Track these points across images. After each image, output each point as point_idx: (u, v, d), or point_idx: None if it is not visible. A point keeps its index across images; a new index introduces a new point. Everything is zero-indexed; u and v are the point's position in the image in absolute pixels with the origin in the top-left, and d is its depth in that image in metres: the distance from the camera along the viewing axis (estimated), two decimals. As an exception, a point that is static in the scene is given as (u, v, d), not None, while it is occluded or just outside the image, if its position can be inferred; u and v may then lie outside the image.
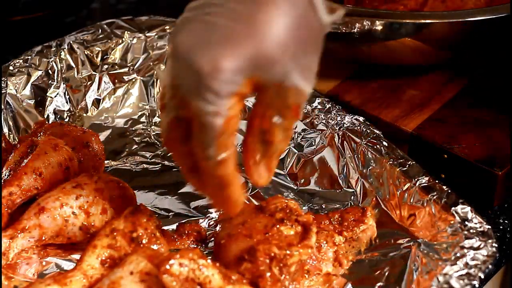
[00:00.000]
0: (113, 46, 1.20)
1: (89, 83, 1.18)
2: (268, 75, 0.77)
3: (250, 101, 1.03)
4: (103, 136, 1.15)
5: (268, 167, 0.85)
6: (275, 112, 0.80)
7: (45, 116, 1.14)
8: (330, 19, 0.80)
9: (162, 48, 1.21)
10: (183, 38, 0.77)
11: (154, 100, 1.19)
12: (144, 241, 0.91)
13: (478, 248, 0.88)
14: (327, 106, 1.09)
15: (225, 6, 0.77)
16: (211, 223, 1.02)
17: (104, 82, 1.19)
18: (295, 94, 0.79)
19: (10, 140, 1.09)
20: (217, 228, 0.97)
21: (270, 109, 0.80)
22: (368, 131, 1.05)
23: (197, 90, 0.76)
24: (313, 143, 1.07)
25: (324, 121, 1.07)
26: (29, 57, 1.15)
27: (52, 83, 1.16)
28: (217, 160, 0.80)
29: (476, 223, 0.91)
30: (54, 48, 1.17)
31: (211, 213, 1.03)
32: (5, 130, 1.09)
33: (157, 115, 1.17)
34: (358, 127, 1.05)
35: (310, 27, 0.78)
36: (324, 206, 1.03)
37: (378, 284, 0.92)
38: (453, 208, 0.93)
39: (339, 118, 1.07)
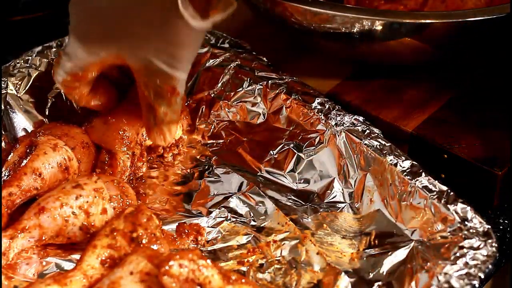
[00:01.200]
0: (113, 46, 1.20)
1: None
2: (129, 58, 0.95)
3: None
4: (103, 136, 1.15)
5: (158, 133, 1.01)
6: (151, 90, 0.97)
7: (45, 117, 1.14)
8: (198, 23, 0.92)
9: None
10: None
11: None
12: (144, 241, 0.91)
13: (478, 248, 0.88)
14: (327, 106, 1.09)
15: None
16: (211, 223, 1.02)
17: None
18: (162, 76, 0.95)
19: (9, 141, 1.09)
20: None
21: (146, 88, 0.97)
22: (368, 131, 1.04)
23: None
24: (313, 143, 1.07)
25: (323, 121, 1.07)
26: (30, 57, 1.15)
27: (52, 83, 1.15)
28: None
29: (476, 223, 0.91)
30: (55, 49, 1.17)
31: (211, 213, 1.03)
32: (5, 130, 1.09)
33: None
34: (358, 127, 1.05)
35: (171, 23, 0.91)
36: (323, 206, 1.04)
37: (378, 283, 0.92)
38: (453, 208, 0.93)
39: (339, 118, 1.07)
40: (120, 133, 1.05)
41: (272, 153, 1.09)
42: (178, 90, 0.98)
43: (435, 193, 0.95)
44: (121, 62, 0.99)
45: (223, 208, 1.04)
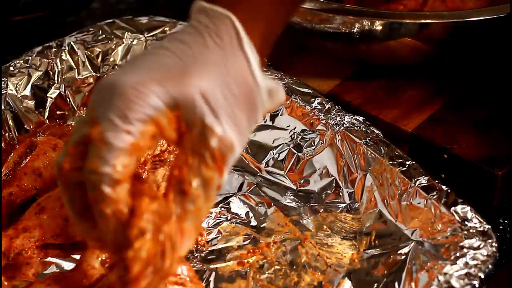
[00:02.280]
0: (113, 47, 1.20)
1: (89, 84, 1.18)
2: (190, 114, 0.74)
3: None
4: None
5: (180, 230, 0.75)
6: (197, 159, 0.74)
7: (45, 117, 1.14)
8: (269, 103, 0.80)
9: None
10: (116, 72, 0.76)
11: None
12: (143, 241, 0.91)
13: (478, 248, 0.88)
14: (327, 106, 1.09)
15: (170, 47, 0.76)
16: (211, 224, 1.02)
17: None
18: (220, 141, 0.74)
19: (9, 141, 1.09)
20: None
21: (192, 155, 0.74)
22: (368, 131, 1.04)
23: (113, 105, 0.72)
24: (313, 143, 1.07)
25: (323, 121, 1.07)
26: (30, 57, 1.15)
27: (52, 83, 1.16)
28: (112, 178, 0.72)
29: (476, 223, 0.91)
30: (55, 49, 1.17)
31: (211, 213, 1.03)
32: (5, 130, 1.09)
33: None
34: (358, 127, 1.05)
35: (245, 87, 0.77)
36: (323, 207, 1.04)
37: (378, 283, 0.92)
38: (453, 208, 0.93)
39: (338, 118, 1.07)
40: None
41: (272, 153, 1.09)
42: (224, 166, 0.76)
43: (435, 193, 0.95)
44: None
45: (223, 209, 1.04)
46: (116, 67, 1.20)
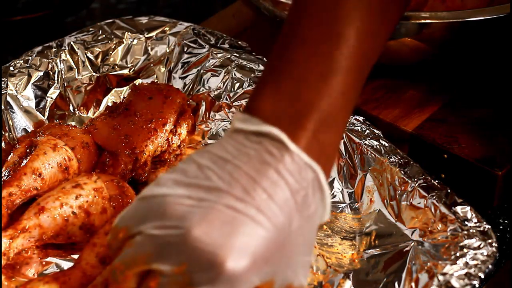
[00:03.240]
0: (113, 47, 1.21)
1: (89, 84, 1.18)
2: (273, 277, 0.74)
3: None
4: (103, 136, 1.15)
5: None
6: None
7: (45, 117, 1.14)
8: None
9: (163, 50, 1.21)
10: (203, 227, 0.71)
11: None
12: (143, 241, 0.91)
13: (478, 248, 0.88)
14: (327, 106, 1.08)
15: (246, 201, 0.72)
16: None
17: (105, 83, 1.20)
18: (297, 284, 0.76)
19: (9, 141, 1.09)
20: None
21: None
22: (368, 131, 1.04)
23: (211, 280, 0.71)
24: (313, 143, 1.07)
25: (324, 121, 1.07)
26: (30, 57, 1.15)
27: (52, 83, 1.16)
28: None
29: (476, 223, 0.91)
30: (55, 49, 1.17)
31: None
32: (5, 130, 1.09)
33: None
34: (358, 127, 1.05)
35: (315, 215, 0.76)
36: (324, 206, 1.04)
37: (378, 283, 0.92)
38: (453, 208, 0.93)
39: (339, 118, 1.06)
40: (125, 138, 1.05)
41: (272, 153, 1.09)
42: None
43: (435, 193, 0.95)
44: None
45: (223, 208, 1.04)
46: (116, 67, 1.20)
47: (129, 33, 1.21)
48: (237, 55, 1.18)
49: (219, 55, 1.18)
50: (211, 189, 0.73)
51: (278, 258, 0.73)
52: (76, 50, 1.18)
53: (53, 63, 1.16)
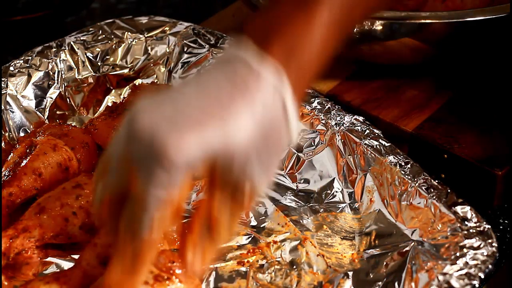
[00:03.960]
0: (113, 47, 1.21)
1: (89, 84, 1.18)
2: (227, 165, 0.75)
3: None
4: (103, 136, 1.15)
5: (203, 254, 0.82)
6: (228, 199, 0.78)
7: (45, 117, 1.14)
8: (299, 128, 0.81)
9: (163, 50, 1.21)
10: (149, 113, 0.74)
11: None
12: (143, 241, 0.91)
13: (478, 248, 0.88)
14: (327, 106, 1.09)
15: (201, 88, 0.76)
16: (211, 223, 1.02)
17: (105, 83, 1.20)
18: (253, 187, 0.78)
19: (9, 141, 1.09)
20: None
21: (222, 194, 0.78)
22: (368, 131, 1.04)
23: (151, 164, 0.73)
24: (313, 143, 1.07)
25: (323, 121, 1.07)
26: (30, 57, 1.15)
27: (52, 83, 1.16)
28: (143, 239, 0.76)
29: (476, 223, 0.91)
30: (55, 49, 1.17)
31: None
32: (5, 130, 1.09)
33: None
34: (358, 127, 1.05)
35: (278, 130, 0.78)
36: (323, 207, 1.04)
37: (378, 283, 0.92)
38: (453, 208, 0.93)
39: (338, 118, 1.07)
40: None
41: (272, 153, 1.09)
42: (249, 204, 0.80)
43: (435, 193, 0.95)
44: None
45: (223, 208, 1.04)
46: (116, 67, 1.20)
47: (129, 33, 1.21)
48: (237, 55, 1.18)
49: (219, 55, 1.18)
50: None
51: (224, 138, 0.74)
52: (76, 50, 1.18)
53: (53, 63, 1.16)
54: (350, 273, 0.95)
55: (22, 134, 1.10)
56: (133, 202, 0.76)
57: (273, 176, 0.81)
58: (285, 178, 1.08)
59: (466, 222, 0.91)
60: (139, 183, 0.74)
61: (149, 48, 1.21)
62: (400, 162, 1.00)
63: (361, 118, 1.07)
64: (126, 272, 0.78)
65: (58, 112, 1.16)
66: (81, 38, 1.20)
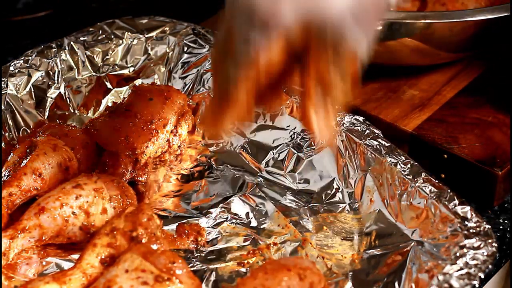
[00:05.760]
0: (113, 47, 1.20)
1: (89, 84, 1.18)
2: (322, 28, 0.79)
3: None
4: (103, 136, 1.15)
5: (326, 117, 0.83)
6: (327, 60, 0.81)
7: (45, 117, 1.14)
8: None
9: (163, 50, 1.21)
10: None
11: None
12: (143, 241, 0.91)
13: (478, 248, 0.88)
14: (327, 106, 1.08)
15: None
16: (211, 224, 1.02)
17: (105, 83, 1.20)
18: (348, 46, 0.81)
19: (9, 141, 1.09)
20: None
21: (325, 52, 0.81)
22: (368, 131, 1.04)
23: (246, 23, 0.79)
24: (313, 143, 1.07)
25: (324, 121, 1.07)
26: (30, 57, 1.15)
27: (52, 83, 1.16)
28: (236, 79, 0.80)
29: (476, 223, 0.91)
30: (55, 49, 1.17)
31: (211, 213, 1.03)
32: (5, 130, 1.09)
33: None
34: (358, 127, 1.05)
35: None
36: (323, 207, 1.04)
37: (378, 283, 0.92)
38: (453, 208, 0.93)
39: (338, 118, 1.07)
40: (126, 139, 1.05)
41: (272, 153, 1.09)
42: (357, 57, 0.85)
43: (435, 193, 0.95)
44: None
45: (223, 209, 1.04)
46: (116, 67, 1.20)
47: (129, 33, 1.21)
48: (237, 55, 1.18)
49: None
50: None
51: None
52: (76, 50, 1.18)
53: (53, 63, 1.16)
54: (351, 274, 0.95)
55: (22, 134, 1.10)
56: (228, 59, 0.81)
57: (374, 34, 0.84)
58: (285, 178, 1.08)
59: (466, 222, 0.91)
60: (235, 42, 0.79)
61: (149, 48, 1.21)
62: (400, 162, 1.00)
63: (361, 118, 1.06)
64: (211, 125, 0.85)
65: (58, 112, 1.15)
66: (81, 38, 1.20)
